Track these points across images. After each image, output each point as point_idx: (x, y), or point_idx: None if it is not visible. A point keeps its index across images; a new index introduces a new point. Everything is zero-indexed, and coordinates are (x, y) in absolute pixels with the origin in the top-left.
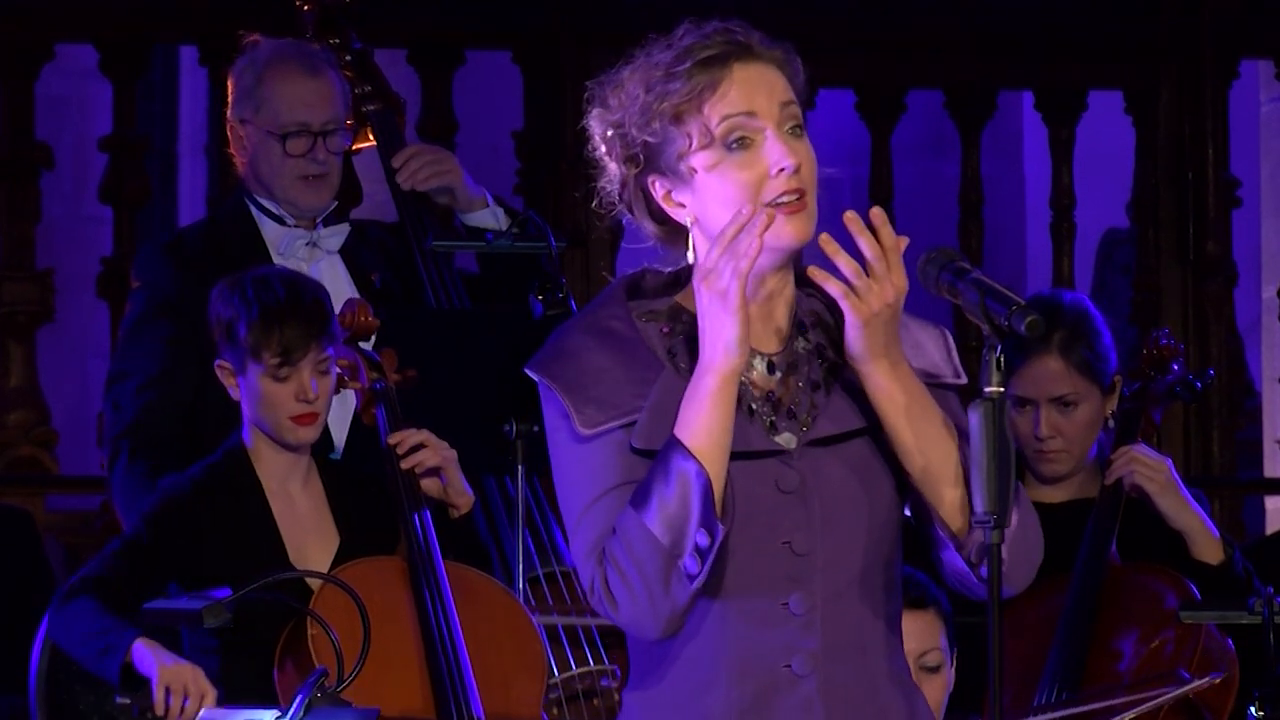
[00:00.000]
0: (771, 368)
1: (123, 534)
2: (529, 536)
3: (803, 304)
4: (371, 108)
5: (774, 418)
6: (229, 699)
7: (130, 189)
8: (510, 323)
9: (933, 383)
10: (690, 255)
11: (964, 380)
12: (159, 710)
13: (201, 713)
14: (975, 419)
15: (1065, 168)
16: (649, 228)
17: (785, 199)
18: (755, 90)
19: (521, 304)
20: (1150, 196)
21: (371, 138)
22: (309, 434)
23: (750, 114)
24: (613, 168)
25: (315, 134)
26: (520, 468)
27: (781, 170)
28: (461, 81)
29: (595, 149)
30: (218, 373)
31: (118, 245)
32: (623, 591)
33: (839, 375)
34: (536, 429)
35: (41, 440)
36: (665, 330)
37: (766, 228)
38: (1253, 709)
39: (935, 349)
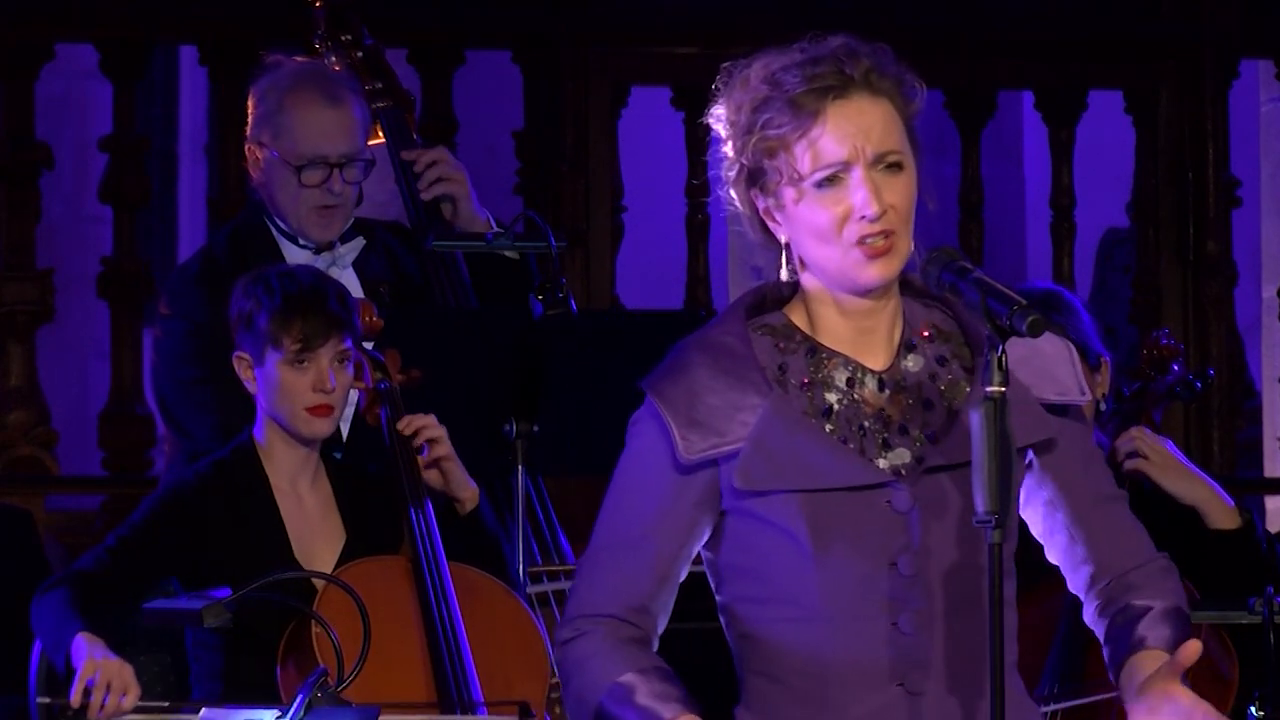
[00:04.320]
0: (881, 385)
1: (117, 530)
2: (532, 537)
3: (915, 316)
4: (381, 105)
5: (886, 434)
6: (232, 697)
7: (130, 189)
8: (510, 323)
9: (1065, 404)
10: (784, 273)
11: (1087, 397)
12: (75, 703)
13: (203, 712)
14: (975, 419)
15: (1065, 168)
16: (753, 233)
17: (869, 241)
18: (847, 134)
19: (521, 304)
20: (1150, 196)
21: (381, 135)
22: (324, 426)
23: (838, 162)
24: (730, 159)
25: (332, 165)
26: (520, 468)
27: (863, 218)
28: (461, 81)
29: (716, 135)
30: (235, 365)
31: (118, 245)
32: (564, 668)
33: (964, 395)
34: (536, 429)
35: (41, 440)
36: (780, 346)
37: None
38: (1253, 709)
39: (1065, 370)
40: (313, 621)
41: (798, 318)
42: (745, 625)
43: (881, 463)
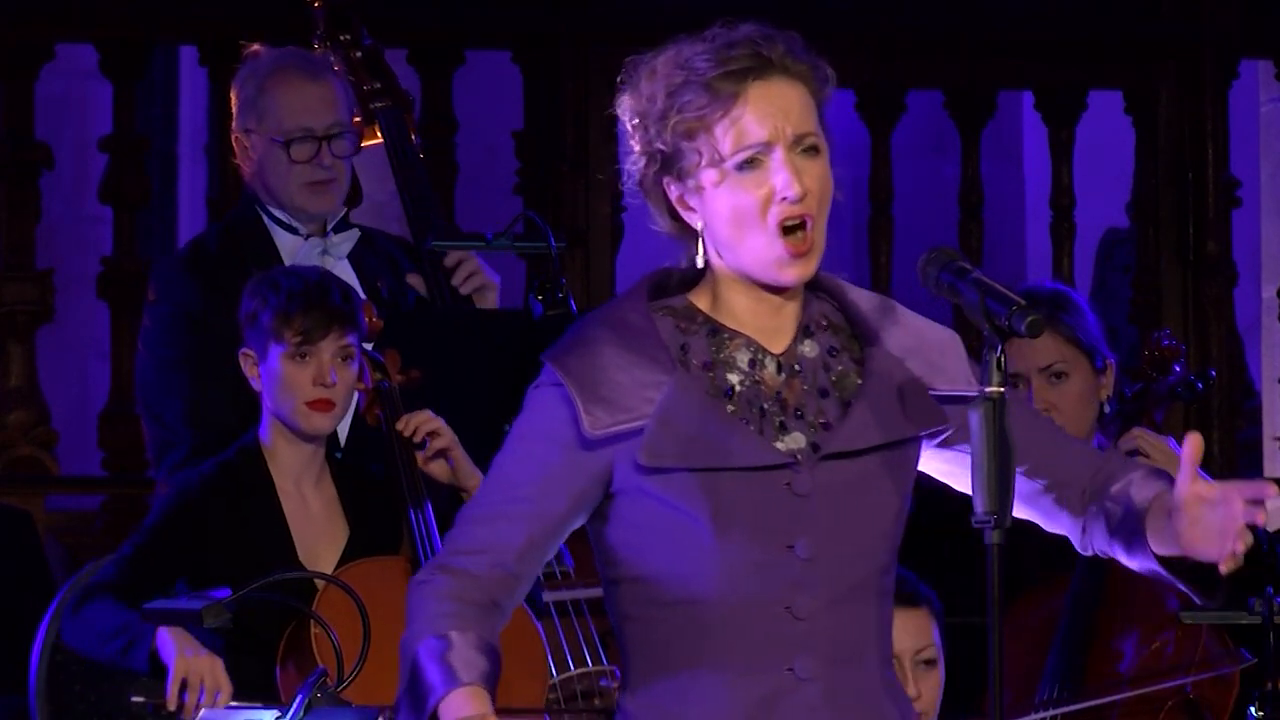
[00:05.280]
0: (779, 368)
1: (131, 539)
2: None
3: (811, 306)
4: (380, 105)
5: (783, 418)
6: (231, 697)
7: (130, 189)
8: (510, 323)
9: (955, 396)
10: (700, 259)
11: (975, 389)
12: (171, 705)
13: (202, 713)
14: (975, 419)
15: (1065, 168)
16: (663, 223)
17: (790, 222)
18: (768, 114)
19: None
20: (1150, 196)
21: (379, 135)
22: (324, 422)
23: (759, 143)
24: (638, 151)
25: (319, 138)
26: None
27: (784, 199)
28: (461, 81)
29: (622, 128)
30: (241, 363)
31: (118, 245)
32: (407, 609)
33: (855, 387)
34: None
35: (41, 440)
36: (681, 326)
37: None
38: (1253, 709)
39: (954, 361)
40: (312, 622)
41: (700, 301)
42: (635, 606)
43: (779, 446)
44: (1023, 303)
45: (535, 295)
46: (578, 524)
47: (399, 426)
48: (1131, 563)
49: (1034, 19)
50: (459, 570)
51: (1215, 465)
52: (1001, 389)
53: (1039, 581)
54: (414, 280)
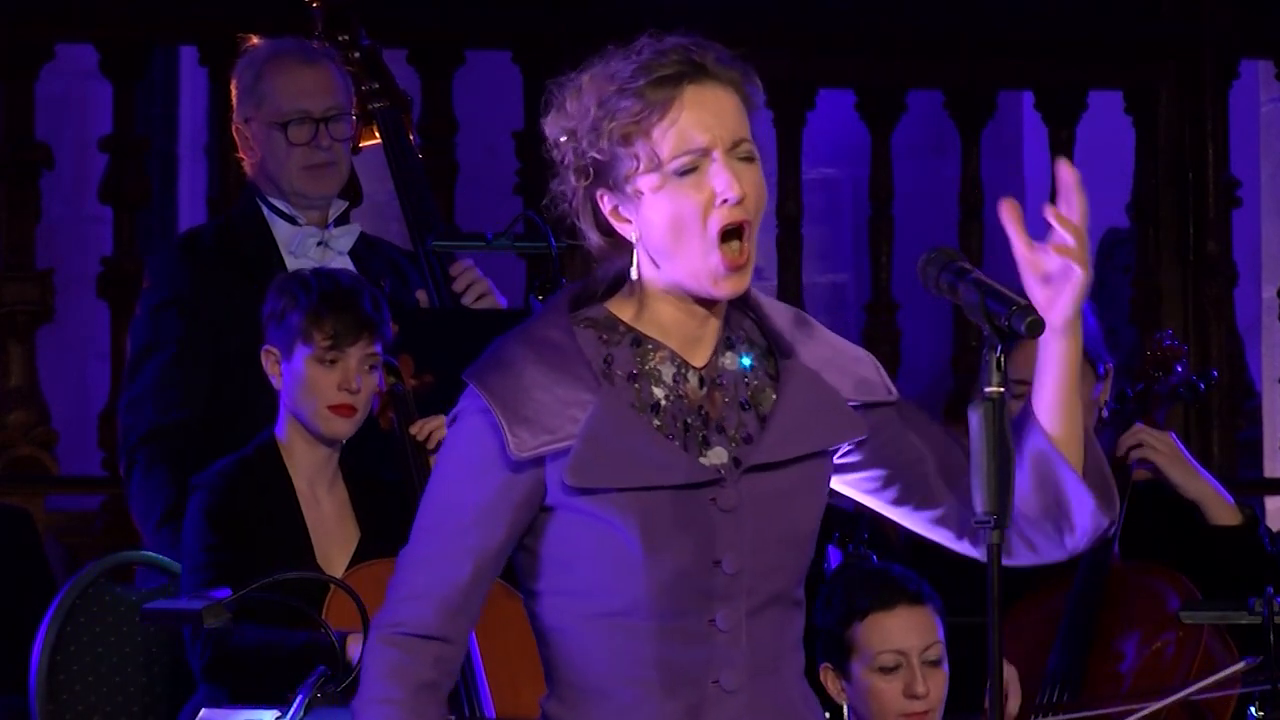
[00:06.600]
0: (702, 381)
1: (190, 561)
2: None
3: (733, 319)
4: (378, 105)
5: (705, 432)
6: (235, 697)
7: (130, 189)
8: (511, 324)
9: (876, 403)
10: (634, 271)
11: (895, 395)
12: None
13: (202, 713)
14: (975, 419)
15: None
16: (594, 238)
17: (729, 227)
18: (705, 117)
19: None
20: (1150, 196)
21: (377, 135)
22: (345, 427)
23: (699, 148)
24: (565, 172)
25: (317, 120)
26: None
27: (725, 201)
28: (461, 81)
29: (549, 151)
30: (263, 360)
31: (118, 245)
32: (365, 663)
33: (771, 401)
34: None
35: (41, 440)
36: (603, 338)
37: None
38: (1253, 709)
39: (872, 374)
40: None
41: (623, 312)
42: (560, 619)
43: (703, 461)
44: (1023, 302)
45: (536, 295)
46: (517, 540)
47: (413, 430)
48: (1044, 495)
49: (1034, 19)
50: (408, 625)
51: (1215, 465)
52: (1001, 389)
53: (1040, 582)
54: (420, 297)
